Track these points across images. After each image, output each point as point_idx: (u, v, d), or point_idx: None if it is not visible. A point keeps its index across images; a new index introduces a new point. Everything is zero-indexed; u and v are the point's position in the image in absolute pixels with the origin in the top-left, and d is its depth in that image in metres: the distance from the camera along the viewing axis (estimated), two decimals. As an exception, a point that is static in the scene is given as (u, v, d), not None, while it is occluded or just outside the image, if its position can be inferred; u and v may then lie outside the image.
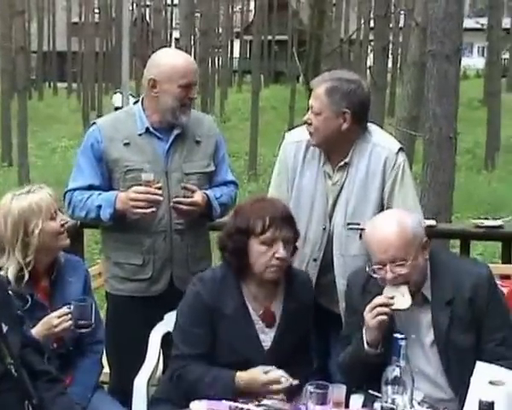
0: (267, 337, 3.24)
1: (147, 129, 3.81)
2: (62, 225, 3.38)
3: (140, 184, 3.67)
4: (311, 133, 3.66)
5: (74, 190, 3.83)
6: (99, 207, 3.74)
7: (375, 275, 3.11)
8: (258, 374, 3.07)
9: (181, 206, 3.73)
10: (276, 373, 3.04)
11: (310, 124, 3.64)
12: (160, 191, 3.64)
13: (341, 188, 3.68)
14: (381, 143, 3.69)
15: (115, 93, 40.48)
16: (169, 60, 3.83)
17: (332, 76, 3.67)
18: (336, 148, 3.67)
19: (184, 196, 3.75)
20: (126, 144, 3.79)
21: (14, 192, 3.37)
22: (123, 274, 3.87)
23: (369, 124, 3.74)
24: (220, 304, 3.19)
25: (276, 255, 3.14)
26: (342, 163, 3.68)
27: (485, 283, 3.12)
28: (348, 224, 3.64)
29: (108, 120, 3.95)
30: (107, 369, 4.04)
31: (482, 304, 3.10)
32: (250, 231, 3.16)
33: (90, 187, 3.80)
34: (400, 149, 3.70)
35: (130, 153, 3.79)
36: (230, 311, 3.19)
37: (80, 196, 3.80)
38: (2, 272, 3.24)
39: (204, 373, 3.13)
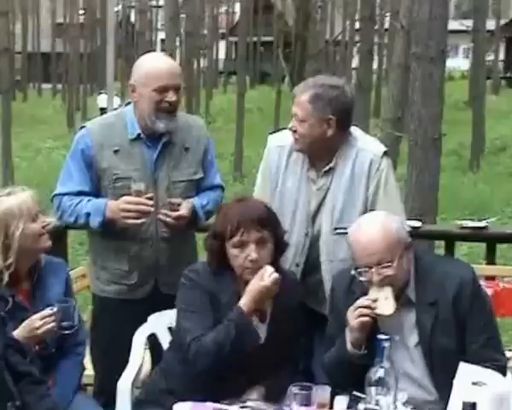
0: (260, 332, 3.24)
1: (138, 135, 3.77)
2: (43, 227, 3.35)
3: (130, 194, 3.66)
4: (296, 140, 3.64)
5: (63, 194, 3.81)
6: (88, 214, 3.72)
7: (361, 278, 3.10)
8: (256, 283, 3.11)
9: (168, 219, 3.72)
10: (253, 404, 3.04)
11: (294, 131, 3.63)
12: (150, 202, 3.62)
13: (326, 193, 3.67)
14: (366, 147, 3.69)
15: (100, 94, 40.47)
16: (146, 64, 3.78)
17: (315, 83, 3.65)
18: (321, 153, 3.66)
19: (171, 210, 3.73)
20: (116, 151, 3.76)
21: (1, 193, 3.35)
22: (109, 277, 3.86)
23: (352, 128, 3.74)
24: (216, 291, 3.20)
25: (249, 258, 3.14)
26: (327, 168, 3.67)
27: (468, 284, 3.13)
28: (335, 229, 3.63)
29: (99, 125, 3.88)
30: (91, 371, 4.03)
31: (466, 305, 3.10)
32: (223, 235, 3.18)
33: (80, 193, 3.78)
34: (385, 153, 3.70)
35: (119, 161, 3.76)
36: (226, 299, 3.19)
37: (69, 201, 3.78)
38: None
39: (216, 330, 3.11)
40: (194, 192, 3.87)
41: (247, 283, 3.19)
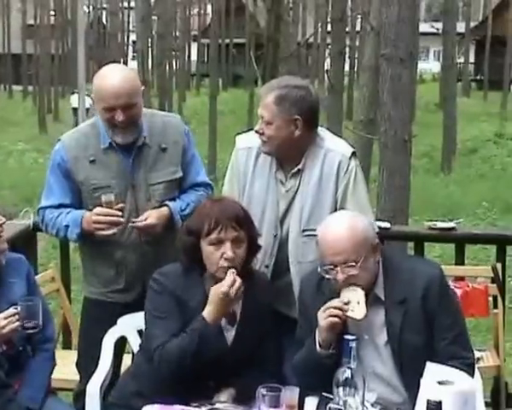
0: (229, 334, 3.24)
1: (110, 144, 3.75)
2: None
3: (101, 205, 3.66)
4: (263, 142, 3.64)
5: (46, 208, 3.84)
6: (67, 226, 3.74)
7: (327, 276, 3.11)
8: (215, 290, 3.10)
9: (138, 225, 3.72)
10: (222, 406, 3.03)
11: (262, 133, 3.62)
12: (120, 213, 3.61)
13: (295, 195, 3.67)
14: (334, 148, 3.69)
15: (73, 93, 40.27)
16: (97, 81, 3.72)
17: (279, 84, 3.65)
18: (289, 155, 3.66)
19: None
20: (92, 162, 3.74)
21: None
22: (98, 282, 3.88)
23: (320, 129, 3.74)
24: (184, 296, 3.19)
25: (224, 256, 3.14)
26: (295, 170, 3.67)
27: (436, 281, 3.14)
28: (304, 231, 3.63)
29: (73, 138, 3.86)
30: (72, 376, 4.02)
31: (434, 303, 3.11)
32: (199, 232, 3.18)
33: (60, 205, 3.79)
34: (353, 154, 3.71)
35: (96, 170, 3.74)
36: (194, 305, 3.18)
37: (51, 214, 3.80)
38: None
39: (180, 338, 3.11)
40: (176, 192, 3.85)
41: (217, 283, 3.20)
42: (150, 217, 3.70)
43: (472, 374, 3.04)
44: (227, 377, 3.20)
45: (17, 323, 3.19)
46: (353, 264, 3.06)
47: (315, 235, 3.52)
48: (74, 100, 39.13)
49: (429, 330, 3.11)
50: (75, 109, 38.45)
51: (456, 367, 2.88)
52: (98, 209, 3.63)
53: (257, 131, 3.63)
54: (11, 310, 3.21)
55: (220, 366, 3.15)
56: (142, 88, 3.80)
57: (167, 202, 3.78)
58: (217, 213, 3.17)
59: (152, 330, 3.23)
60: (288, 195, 3.68)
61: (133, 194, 3.75)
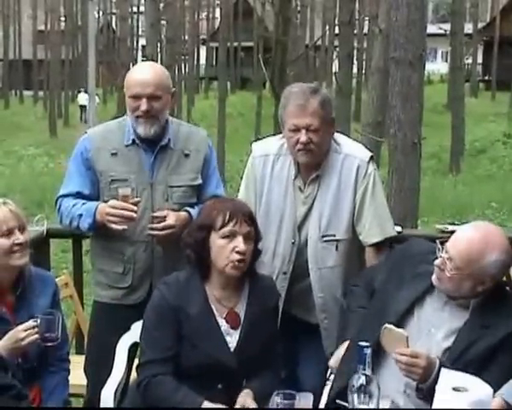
0: (232, 339, 3.23)
1: (133, 140, 3.81)
2: (16, 245, 3.29)
3: (117, 198, 3.70)
4: (309, 151, 3.57)
5: (64, 196, 3.86)
6: (80, 215, 3.76)
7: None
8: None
9: (156, 232, 3.73)
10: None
11: (308, 143, 3.56)
12: (135, 207, 3.63)
13: (313, 201, 3.67)
14: (352, 153, 3.69)
15: (79, 92, 40.36)
16: (130, 72, 3.87)
17: (311, 88, 3.61)
18: (318, 161, 3.65)
19: (156, 223, 3.74)
20: (113, 154, 3.80)
21: None
22: (105, 281, 3.88)
23: (336, 134, 3.74)
24: (185, 305, 3.19)
25: (237, 249, 3.14)
26: (314, 176, 3.67)
27: None
28: (323, 236, 3.64)
29: (99, 130, 3.95)
30: (83, 381, 4.04)
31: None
32: (211, 226, 3.18)
33: (79, 194, 3.82)
34: (371, 158, 3.71)
35: (116, 163, 3.79)
36: (195, 312, 3.19)
37: (67, 203, 3.83)
38: None
39: (173, 391, 3.12)
40: (194, 199, 3.87)
41: (218, 296, 3.23)
42: (169, 217, 3.72)
43: None
44: (235, 380, 3.21)
45: (36, 335, 3.20)
46: (451, 267, 3.02)
47: (334, 240, 3.54)
48: (81, 98, 39.40)
49: (485, 366, 2.98)
50: (82, 107, 38.77)
51: None
52: (113, 202, 3.66)
53: (303, 143, 3.55)
54: (30, 322, 3.22)
55: (226, 369, 3.17)
56: (173, 90, 3.88)
57: (187, 208, 3.81)
58: (231, 207, 3.19)
59: (144, 344, 3.26)
60: (306, 201, 3.68)
61: (150, 192, 3.78)
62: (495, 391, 2.80)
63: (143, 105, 3.70)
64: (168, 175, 3.81)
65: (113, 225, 3.64)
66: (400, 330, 2.93)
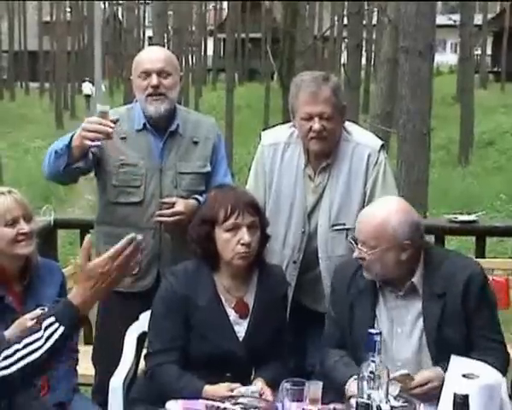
0: (241, 328, 3.23)
1: (144, 125, 3.81)
2: (20, 234, 3.27)
3: (134, 183, 3.73)
4: (323, 138, 3.56)
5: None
6: (58, 145, 3.61)
7: (350, 244, 3.16)
8: (223, 391, 3.04)
9: (164, 219, 3.72)
10: (241, 390, 3.03)
11: (322, 130, 3.54)
12: (111, 124, 3.49)
13: (323, 190, 3.66)
14: (363, 141, 3.68)
15: (84, 81, 40.38)
16: (138, 55, 3.89)
17: (322, 76, 3.59)
18: (331, 149, 3.63)
19: (165, 209, 3.74)
20: (123, 138, 3.80)
21: None
22: None
23: (347, 123, 3.72)
24: (193, 295, 3.19)
25: (241, 241, 3.14)
26: (324, 164, 3.65)
27: (477, 279, 3.13)
28: (333, 225, 3.63)
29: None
30: (92, 371, 4.03)
31: (474, 300, 3.09)
32: (214, 220, 3.18)
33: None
34: (382, 147, 3.69)
35: (126, 148, 3.79)
36: (204, 302, 3.19)
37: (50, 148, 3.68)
38: None
39: (175, 378, 3.13)
40: (203, 187, 3.87)
41: (227, 286, 3.22)
42: (178, 204, 3.71)
43: (505, 370, 3.06)
44: (243, 369, 3.21)
45: None
46: (367, 249, 3.07)
47: (344, 229, 3.53)
48: (86, 87, 39.47)
49: (466, 326, 3.11)
50: (87, 96, 38.85)
51: (492, 362, 2.87)
52: (90, 118, 3.54)
53: (316, 132, 3.53)
54: (38, 311, 3.21)
55: (234, 358, 3.17)
56: (181, 74, 3.90)
57: (196, 196, 3.80)
58: (232, 199, 3.18)
59: (151, 334, 3.28)
60: (316, 190, 3.66)
61: (159, 178, 3.78)
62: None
63: (153, 80, 3.71)
64: (177, 161, 3.81)
65: (87, 141, 3.46)
66: (397, 373, 2.93)
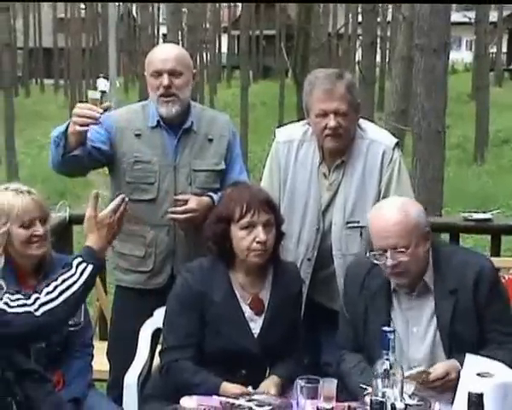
0: (256, 325, 3.24)
1: (158, 122, 3.81)
2: (34, 236, 3.27)
3: (146, 180, 3.74)
4: (339, 135, 3.55)
5: None
6: (55, 132, 3.62)
7: (375, 261, 3.10)
8: (240, 390, 3.04)
9: (177, 216, 3.73)
10: (260, 397, 3.03)
11: (337, 128, 3.53)
12: (100, 110, 3.48)
13: (338, 187, 3.66)
14: (378, 138, 3.67)
15: (98, 77, 40.48)
16: (150, 52, 3.87)
17: (335, 73, 3.60)
18: (345, 146, 3.63)
19: (178, 206, 3.74)
20: (137, 135, 3.80)
21: (5, 185, 3.34)
22: (126, 265, 3.88)
23: (361, 120, 3.72)
24: (209, 291, 3.20)
25: (257, 239, 3.15)
26: (339, 161, 3.65)
27: (488, 273, 3.12)
28: (347, 223, 3.62)
29: (123, 111, 3.96)
30: (107, 367, 4.05)
31: (484, 295, 3.09)
32: (230, 218, 3.19)
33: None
34: (397, 144, 3.69)
35: (140, 144, 3.80)
36: (219, 298, 3.20)
37: None
38: None
39: (192, 374, 3.15)
40: (217, 184, 3.86)
41: (242, 282, 3.23)
42: (191, 201, 3.72)
43: None
44: (258, 366, 3.22)
45: None
46: (403, 250, 3.04)
47: (359, 227, 3.53)
48: (100, 83, 39.56)
49: (479, 321, 3.10)
50: (102, 92, 38.98)
51: (506, 356, 2.89)
52: (81, 104, 3.55)
53: (332, 128, 3.53)
54: None
55: (249, 355, 3.18)
56: (194, 72, 3.89)
57: (210, 193, 3.80)
58: (247, 197, 3.19)
59: (168, 329, 3.28)
60: (331, 187, 3.66)
61: (174, 175, 3.78)
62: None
63: (165, 80, 3.70)
64: (192, 159, 3.81)
65: (77, 127, 3.46)
66: (414, 370, 2.93)
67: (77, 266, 2.75)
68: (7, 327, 2.56)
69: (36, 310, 2.59)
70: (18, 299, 2.59)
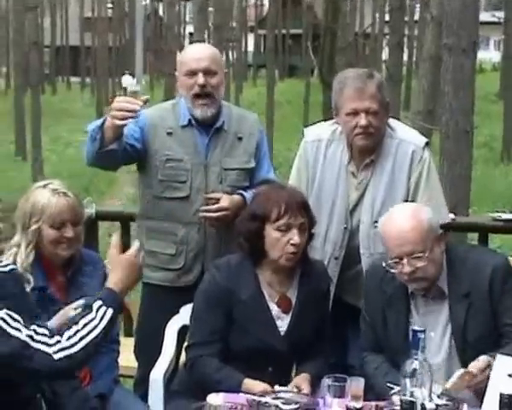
0: (283, 323, 3.24)
1: (189, 121, 3.81)
2: (63, 237, 3.29)
3: (179, 177, 3.75)
4: (369, 135, 3.55)
5: None
6: (91, 127, 3.61)
7: (392, 270, 3.08)
8: (262, 387, 3.03)
9: (209, 214, 3.73)
10: (287, 395, 3.01)
11: (368, 126, 3.53)
12: (140, 102, 3.46)
13: (366, 186, 3.65)
14: (407, 138, 3.66)
15: (124, 74, 40.67)
16: (182, 52, 3.89)
17: (366, 73, 3.61)
18: (374, 146, 3.62)
19: (210, 205, 3.74)
20: (169, 134, 3.81)
21: (46, 182, 3.37)
22: (155, 263, 3.87)
23: (391, 120, 3.71)
24: (236, 288, 3.20)
25: (291, 242, 3.14)
26: (368, 161, 3.64)
27: (500, 270, 3.10)
28: (376, 222, 3.60)
29: (155, 109, 3.96)
30: (134, 363, 4.06)
31: (498, 291, 3.07)
32: (266, 217, 3.17)
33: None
34: (426, 144, 3.67)
35: (172, 143, 3.80)
36: (246, 296, 3.20)
37: None
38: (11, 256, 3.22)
39: (214, 370, 3.15)
40: (247, 183, 3.87)
41: (269, 281, 3.22)
42: (223, 200, 3.72)
43: None
44: (285, 364, 3.24)
45: None
46: (420, 255, 3.01)
47: None
48: (125, 81, 39.75)
49: (494, 320, 3.08)
50: (126, 89, 39.14)
51: None
52: (119, 97, 3.56)
53: (366, 128, 3.53)
54: (80, 302, 3.23)
55: (276, 353, 3.18)
56: (226, 71, 3.91)
57: (241, 192, 3.80)
58: (286, 199, 3.17)
59: (193, 326, 3.29)
60: (359, 186, 3.65)
61: (205, 173, 3.78)
62: None
63: (200, 79, 3.70)
64: (222, 157, 3.81)
65: (116, 121, 3.44)
66: (454, 377, 2.85)
67: (97, 310, 2.64)
68: (29, 361, 2.49)
69: (55, 353, 2.52)
70: (43, 335, 2.54)
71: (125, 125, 3.50)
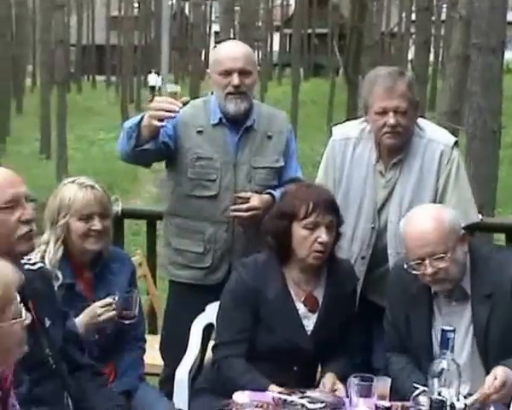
0: (310, 322, 3.23)
1: (220, 119, 3.80)
2: (91, 230, 3.30)
3: (209, 176, 3.74)
4: (398, 134, 3.54)
5: None
6: (128, 123, 3.62)
7: (414, 271, 3.06)
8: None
9: (240, 213, 3.73)
10: (313, 394, 2.99)
11: (396, 126, 3.51)
12: (179, 103, 3.46)
13: (394, 185, 3.63)
14: (436, 137, 3.64)
15: (150, 73, 40.86)
16: (216, 50, 3.88)
17: (396, 71, 3.60)
18: (402, 145, 3.60)
19: (240, 204, 3.74)
20: (199, 132, 3.80)
21: (74, 178, 3.39)
22: (182, 261, 3.88)
23: (419, 119, 3.69)
24: (262, 287, 3.19)
25: (319, 240, 3.12)
26: (396, 160, 3.62)
27: None
28: None
29: (187, 107, 3.87)
30: (158, 361, 4.06)
31: None
32: (293, 215, 3.16)
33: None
34: (455, 144, 3.64)
35: (202, 141, 3.80)
36: (273, 295, 3.19)
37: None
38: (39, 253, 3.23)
39: (240, 374, 3.13)
40: (276, 181, 3.86)
41: (296, 280, 3.21)
42: (253, 199, 3.71)
43: None
44: (310, 363, 3.23)
45: (113, 312, 3.23)
46: (442, 256, 2.99)
47: None
48: (151, 79, 39.93)
49: None
50: (152, 88, 39.34)
51: None
52: (158, 98, 3.58)
53: (394, 127, 3.51)
54: (108, 299, 3.24)
55: (302, 352, 3.17)
56: (258, 69, 3.87)
57: (271, 191, 3.79)
58: (314, 197, 3.16)
59: (220, 325, 3.30)
60: (387, 186, 3.64)
61: (234, 172, 3.78)
62: None
63: (235, 79, 3.69)
64: (252, 156, 3.80)
65: (155, 121, 3.44)
66: (473, 397, 2.78)
67: None
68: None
69: None
70: None
71: (163, 126, 3.51)
